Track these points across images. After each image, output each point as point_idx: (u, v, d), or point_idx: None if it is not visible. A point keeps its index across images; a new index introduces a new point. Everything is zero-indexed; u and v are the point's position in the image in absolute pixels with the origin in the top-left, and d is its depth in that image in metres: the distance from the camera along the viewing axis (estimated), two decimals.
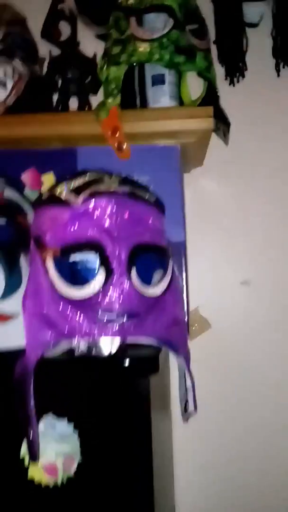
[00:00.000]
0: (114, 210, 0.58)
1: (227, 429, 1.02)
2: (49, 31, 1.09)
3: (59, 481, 0.63)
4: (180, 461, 1.00)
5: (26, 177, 0.84)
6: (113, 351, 0.61)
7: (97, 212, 0.58)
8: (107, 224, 0.57)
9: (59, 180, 0.82)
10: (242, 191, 1.05)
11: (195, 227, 0.96)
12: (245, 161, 1.04)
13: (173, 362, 0.72)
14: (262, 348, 1.03)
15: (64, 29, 1.10)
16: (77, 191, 0.60)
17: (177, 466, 1.00)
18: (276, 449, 1.01)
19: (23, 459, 0.63)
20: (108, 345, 0.61)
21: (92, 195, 0.58)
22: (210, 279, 1.02)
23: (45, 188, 0.83)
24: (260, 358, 1.03)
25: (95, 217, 0.57)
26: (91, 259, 0.58)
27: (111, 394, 0.63)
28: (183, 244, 0.82)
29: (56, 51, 0.99)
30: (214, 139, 0.86)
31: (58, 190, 0.61)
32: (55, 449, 0.62)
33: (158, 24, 0.79)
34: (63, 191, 0.61)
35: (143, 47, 0.77)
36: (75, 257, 0.59)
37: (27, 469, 0.63)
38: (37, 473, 0.63)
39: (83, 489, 0.62)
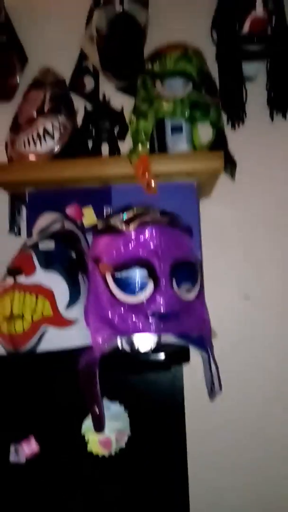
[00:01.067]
0: (158, 236, 0.75)
1: (226, 433, 1.15)
2: (75, 84, 1.29)
3: (113, 452, 0.78)
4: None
5: (70, 210, 1.01)
6: (152, 346, 0.78)
7: (145, 238, 0.75)
8: (152, 246, 0.75)
9: (97, 213, 1.00)
10: (243, 216, 1.22)
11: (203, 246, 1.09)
12: (245, 192, 1.21)
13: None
14: (262, 356, 1.17)
15: (88, 82, 1.30)
16: (128, 222, 0.77)
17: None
18: (268, 456, 1.15)
19: (83, 435, 0.78)
20: (148, 342, 0.78)
21: (141, 225, 0.76)
22: (215, 293, 1.12)
23: (85, 219, 1.00)
24: (260, 365, 1.17)
25: (143, 241, 0.75)
26: (141, 273, 0.74)
27: (153, 380, 0.79)
28: (200, 263, 1.00)
29: (89, 105, 1.17)
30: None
31: (113, 222, 0.79)
32: (109, 426, 0.77)
33: (179, 85, 0.97)
34: (117, 222, 0.78)
35: (167, 105, 0.96)
36: (129, 272, 0.75)
37: (86, 443, 0.78)
38: (95, 446, 0.78)
39: (133, 458, 0.78)
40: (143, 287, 0.73)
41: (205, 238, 1.08)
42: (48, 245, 0.80)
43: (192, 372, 0.86)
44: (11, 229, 1.13)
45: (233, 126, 1.21)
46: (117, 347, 0.79)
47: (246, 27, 1.14)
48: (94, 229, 0.85)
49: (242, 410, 1.16)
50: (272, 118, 1.22)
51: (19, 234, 1.16)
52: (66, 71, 1.28)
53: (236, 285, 1.20)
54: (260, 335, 1.18)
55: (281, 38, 1.19)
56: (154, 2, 1.21)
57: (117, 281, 0.74)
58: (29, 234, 0.99)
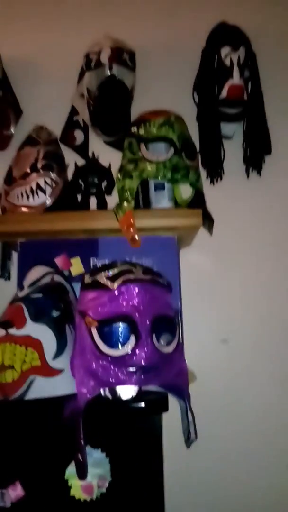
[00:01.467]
0: (140, 292, 0.82)
1: (210, 467, 1.20)
2: (66, 137, 1.38)
3: (94, 497, 0.82)
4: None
5: (59, 260, 1.07)
6: (134, 395, 0.84)
7: (128, 294, 0.82)
8: (135, 302, 0.82)
9: (84, 263, 1.08)
10: (220, 263, 1.30)
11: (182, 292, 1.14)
12: (222, 242, 1.29)
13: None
14: (241, 398, 1.23)
15: (78, 136, 1.39)
16: (113, 279, 0.85)
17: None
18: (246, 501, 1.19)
19: (67, 480, 0.83)
20: (130, 391, 0.84)
21: (124, 282, 0.83)
22: (194, 337, 1.20)
23: (73, 269, 1.07)
24: (239, 406, 1.23)
25: (127, 298, 0.82)
26: (124, 328, 0.81)
27: (133, 428, 0.85)
28: (179, 311, 1.07)
29: (79, 161, 1.26)
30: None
31: (99, 278, 0.86)
32: (91, 472, 0.82)
33: (161, 149, 1.06)
34: (102, 278, 0.85)
35: (151, 167, 1.04)
36: (113, 326, 0.81)
37: (69, 488, 0.83)
38: (77, 491, 0.83)
39: (114, 502, 0.82)
40: (125, 341, 0.79)
41: (184, 284, 1.14)
42: (38, 299, 0.86)
43: (171, 419, 0.91)
44: (2, 275, 1.18)
45: (211, 182, 1.30)
46: (100, 394, 0.85)
47: (224, 92, 1.25)
48: (81, 283, 0.91)
49: (220, 455, 1.21)
50: (248, 175, 1.31)
51: (9, 278, 1.22)
52: (57, 124, 1.38)
53: (215, 330, 1.27)
54: (238, 378, 1.24)
55: (256, 102, 1.31)
56: (140, 66, 1.32)
57: (102, 335, 0.81)
58: (20, 281, 1.05)
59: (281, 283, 1.29)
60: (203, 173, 1.29)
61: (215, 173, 1.30)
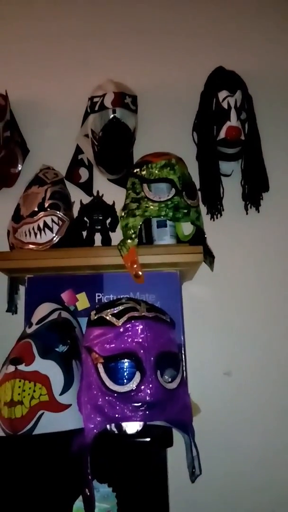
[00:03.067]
0: (144, 329, 0.86)
1: (214, 501, 1.21)
2: (71, 175, 1.44)
3: None
4: None
5: (65, 295, 1.11)
6: (139, 430, 0.86)
7: (133, 331, 0.85)
8: (140, 339, 0.85)
9: (89, 298, 1.11)
10: (222, 296, 1.34)
11: (185, 326, 1.16)
12: (223, 275, 1.33)
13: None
14: (245, 430, 1.25)
15: (83, 173, 1.45)
16: (118, 316, 0.88)
17: None
18: None
19: None
20: (135, 426, 0.87)
21: (129, 319, 0.87)
22: (197, 370, 1.23)
23: (79, 304, 1.10)
24: (243, 439, 1.24)
25: (131, 335, 0.85)
26: (129, 365, 0.84)
27: (138, 463, 0.87)
28: (182, 345, 1.10)
29: (84, 198, 1.31)
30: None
31: (104, 315, 0.89)
32: (98, 507, 0.84)
33: (163, 189, 1.11)
34: (108, 315, 0.89)
35: (153, 206, 1.09)
36: (118, 363, 0.84)
37: None
38: None
39: None
40: (131, 377, 0.82)
41: (186, 317, 1.17)
42: (46, 335, 0.90)
43: (175, 453, 0.93)
44: (9, 309, 1.22)
45: (212, 218, 1.35)
46: (106, 429, 0.87)
47: (222, 133, 1.32)
48: (88, 320, 0.95)
49: (224, 490, 1.22)
50: (246, 210, 1.37)
51: (16, 312, 1.25)
52: (63, 162, 1.44)
53: (217, 362, 1.30)
54: (241, 410, 1.26)
55: (253, 142, 1.37)
56: (142, 108, 1.39)
57: (108, 371, 0.84)
58: (27, 316, 1.09)
59: (282, 315, 1.32)
60: (203, 209, 1.34)
61: (215, 209, 1.35)
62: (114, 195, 1.33)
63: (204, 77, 1.42)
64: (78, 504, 0.84)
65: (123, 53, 1.55)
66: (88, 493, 0.79)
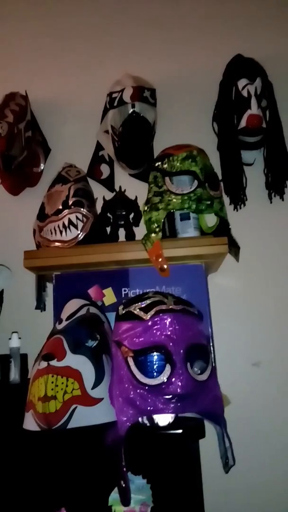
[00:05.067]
0: (173, 322, 0.86)
1: (248, 491, 1.22)
2: (93, 171, 1.45)
3: None
4: None
5: (92, 291, 1.12)
6: (171, 422, 0.87)
7: (161, 324, 0.86)
8: (168, 332, 0.85)
9: (116, 293, 1.12)
10: (248, 287, 1.33)
11: (212, 317, 1.18)
12: (248, 265, 1.32)
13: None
14: (275, 420, 1.24)
15: (104, 169, 1.46)
16: (146, 310, 0.89)
17: None
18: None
19: (110, 506, 0.86)
20: (167, 418, 0.87)
21: (157, 313, 0.87)
22: (226, 361, 1.24)
23: (106, 299, 1.12)
24: (273, 429, 1.24)
25: (160, 328, 0.86)
26: (159, 358, 0.85)
27: (172, 455, 0.88)
28: (210, 337, 1.10)
29: (106, 194, 1.32)
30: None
31: (132, 309, 0.90)
32: (134, 498, 0.85)
33: (185, 182, 1.11)
34: (136, 309, 0.89)
35: (176, 199, 1.09)
36: (148, 356, 0.85)
37: None
38: None
39: None
40: (161, 370, 0.83)
41: (213, 308, 1.17)
42: (76, 331, 0.91)
43: (208, 445, 0.93)
44: (38, 306, 1.24)
45: (235, 208, 1.34)
46: (138, 421, 0.88)
47: (243, 122, 1.31)
48: (116, 314, 0.96)
49: (257, 479, 1.22)
50: (270, 199, 1.35)
51: (44, 309, 1.27)
52: (84, 159, 1.46)
53: (246, 353, 1.29)
54: (271, 401, 1.26)
55: (275, 130, 1.35)
56: (161, 100, 1.38)
57: (138, 364, 0.84)
58: (56, 312, 1.11)
59: None
60: (226, 200, 1.33)
61: (238, 199, 1.34)
62: (136, 189, 1.33)
63: (223, 66, 1.40)
64: (114, 495, 0.86)
65: (139, 47, 1.55)
66: (124, 485, 0.80)
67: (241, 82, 1.31)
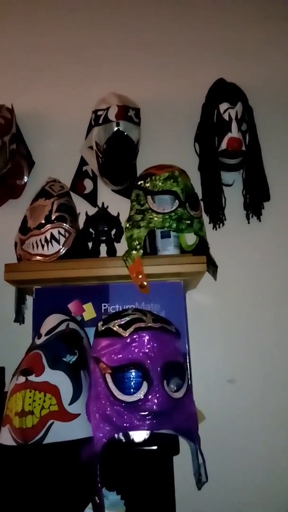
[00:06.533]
0: (151, 340, 0.88)
1: (221, 507, 1.23)
2: (76, 186, 1.47)
3: None
4: None
5: (72, 306, 1.14)
6: (146, 438, 0.88)
7: (139, 342, 0.88)
8: (146, 350, 0.87)
9: (96, 308, 1.13)
10: (225, 304, 1.36)
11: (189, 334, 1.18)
12: (225, 283, 1.35)
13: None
14: (249, 437, 1.27)
15: (88, 184, 1.48)
16: (125, 327, 0.91)
17: None
18: None
19: None
20: (142, 434, 0.89)
21: (136, 331, 0.89)
22: (201, 377, 1.25)
23: (86, 314, 1.13)
24: (247, 445, 1.26)
25: (138, 345, 0.88)
26: (136, 375, 0.86)
27: (146, 471, 0.89)
28: (187, 354, 1.12)
29: (89, 209, 1.34)
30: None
31: (112, 326, 0.92)
32: None
33: (167, 201, 1.13)
34: (115, 326, 0.91)
35: (157, 218, 1.11)
36: (125, 373, 0.87)
37: None
38: None
39: None
40: (138, 387, 0.85)
41: (190, 325, 1.18)
42: (55, 346, 0.92)
43: (181, 461, 0.95)
44: (17, 319, 1.24)
45: (214, 227, 1.38)
46: (113, 438, 0.89)
47: (223, 144, 1.35)
48: (95, 331, 0.97)
49: (230, 496, 1.24)
50: (248, 220, 1.39)
51: (23, 322, 1.28)
52: (67, 174, 1.47)
53: (221, 369, 1.32)
54: (245, 417, 1.28)
55: (254, 152, 1.40)
56: (145, 120, 1.42)
57: (115, 381, 0.86)
58: (35, 326, 1.11)
59: (284, 322, 1.34)
60: (205, 218, 1.36)
61: (217, 218, 1.38)
62: (118, 205, 1.36)
63: (205, 89, 1.45)
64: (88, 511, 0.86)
65: (125, 66, 1.58)
66: (98, 501, 0.81)
67: (223, 106, 1.36)
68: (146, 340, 0.88)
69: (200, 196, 1.34)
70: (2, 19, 1.68)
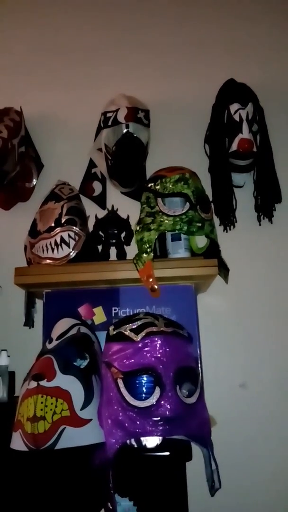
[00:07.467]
0: (163, 345, 0.87)
1: (230, 510, 1.21)
2: (85, 188, 1.46)
3: None
4: None
5: (82, 309, 1.13)
6: (158, 444, 0.87)
7: (151, 347, 0.87)
8: (158, 354, 0.86)
9: (106, 312, 1.13)
10: (236, 307, 1.35)
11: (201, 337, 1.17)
12: (237, 286, 1.34)
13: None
14: (261, 442, 1.25)
15: (97, 187, 1.47)
16: (136, 331, 0.90)
17: None
18: None
19: None
20: (154, 440, 0.88)
21: (148, 335, 0.88)
22: (213, 382, 1.23)
23: (96, 318, 1.12)
24: (259, 451, 1.25)
25: (150, 350, 0.86)
26: (149, 380, 0.85)
27: (158, 477, 0.88)
28: (199, 358, 1.11)
29: (98, 211, 1.33)
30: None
31: (123, 330, 0.91)
32: None
33: (177, 203, 1.12)
34: (127, 331, 0.90)
35: (168, 220, 1.10)
36: (137, 378, 0.86)
37: None
38: None
39: None
40: (150, 392, 0.84)
41: (202, 328, 1.18)
42: (66, 351, 0.91)
43: (194, 467, 0.94)
44: (27, 323, 1.24)
45: (225, 229, 1.36)
46: (126, 443, 0.88)
47: (234, 146, 1.33)
48: (106, 335, 0.96)
49: (243, 502, 1.22)
50: (259, 221, 1.38)
51: (33, 326, 1.27)
52: (76, 176, 1.47)
53: (233, 374, 1.30)
54: (257, 422, 1.27)
55: (265, 154, 1.38)
56: (155, 121, 1.40)
57: (128, 386, 0.85)
58: (46, 330, 1.11)
59: None
60: (216, 221, 1.34)
61: (228, 221, 1.36)
62: (127, 207, 1.35)
63: (216, 90, 1.44)
64: None
65: (134, 67, 1.57)
66: (111, 507, 0.80)
67: (234, 107, 1.34)
68: (158, 345, 0.87)
69: (210, 198, 1.33)
70: (13, 23, 1.68)
